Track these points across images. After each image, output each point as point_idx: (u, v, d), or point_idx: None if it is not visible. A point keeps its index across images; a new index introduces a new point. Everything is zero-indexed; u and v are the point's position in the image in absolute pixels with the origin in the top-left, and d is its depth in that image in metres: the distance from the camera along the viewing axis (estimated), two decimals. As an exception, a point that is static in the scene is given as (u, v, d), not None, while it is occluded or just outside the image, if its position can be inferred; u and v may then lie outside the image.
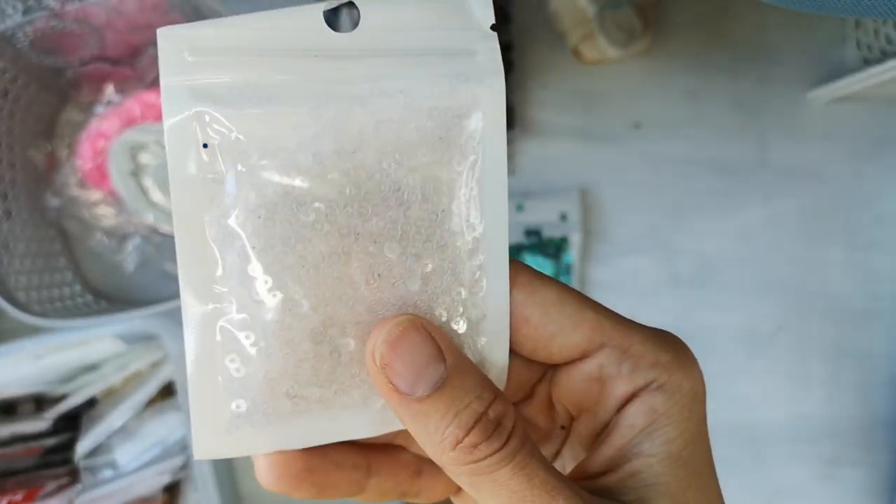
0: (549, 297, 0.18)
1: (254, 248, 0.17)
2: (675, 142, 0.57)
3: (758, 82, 0.57)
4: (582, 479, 0.18)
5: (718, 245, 0.57)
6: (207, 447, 0.17)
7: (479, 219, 0.18)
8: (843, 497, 0.58)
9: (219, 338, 0.17)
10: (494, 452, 0.16)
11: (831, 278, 0.58)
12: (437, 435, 0.16)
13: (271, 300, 0.17)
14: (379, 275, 0.17)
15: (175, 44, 0.16)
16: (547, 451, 0.22)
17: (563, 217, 0.55)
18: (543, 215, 0.55)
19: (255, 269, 0.17)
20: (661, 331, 0.19)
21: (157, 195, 0.53)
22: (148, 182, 0.52)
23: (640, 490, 0.17)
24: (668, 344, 0.18)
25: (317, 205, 0.17)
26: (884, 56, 0.51)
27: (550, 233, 0.55)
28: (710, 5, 0.57)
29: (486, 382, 0.17)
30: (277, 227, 0.17)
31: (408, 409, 0.16)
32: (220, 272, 0.17)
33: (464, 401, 0.16)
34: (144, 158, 0.52)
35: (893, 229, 0.58)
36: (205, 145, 0.16)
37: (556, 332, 0.18)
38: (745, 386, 0.57)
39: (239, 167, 0.16)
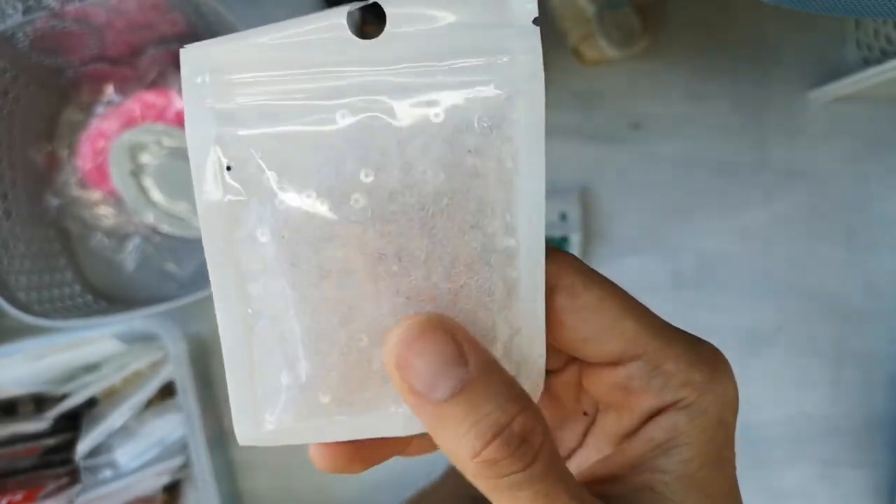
0: (590, 303, 0.17)
1: (280, 267, 0.17)
2: (675, 142, 0.57)
3: (758, 82, 0.57)
4: (594, 483, 0.18)
5: (718, 245, 0.57)
6: (247, 437, 0.18)
7: (513, 233, 0.17)
8: (843, 497, 0.58)
9: (253, 350, 0.17)
10: (516, 472, 0.15)
11: (831, 278, 0.58)
12: (455, 442, 0.15)
13: (299, 316, 0.17)
14: (407, 297, 0.17)
15: (196, 65, 0.16)
16: (571, 432, 0.21)
17: (563, 217, 0.55)
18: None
19: (283, 286, 0.17)
20: (703, 346, 0.18)
21: (157, 195, 0.53)
22: (148, 182, 0.52)
23: (651, 503, 0.17)
24: (704, 364, 0.18)
25: (341, 223, 0.16)
26: (884, 56, 0.51)
27: (550, 232, 0.55)
28: (711, 5, 0.57)
29: (513, 391, 0.16)
30: (302, 247, 0.17)
31: (425, 412, 0.16)
32: (249, 289, 0.17)
33: (484, 409, 0.15)
34: (144, 158, 0.52)
35: (893, 229, 0.57)
36: (228, 168, 0.16)
37: (592, 337, 0.18)
38: (745, 386, 0.56)
39: (262, 188, 0.16)
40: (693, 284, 0.57)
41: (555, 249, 0.18)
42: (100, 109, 0.53)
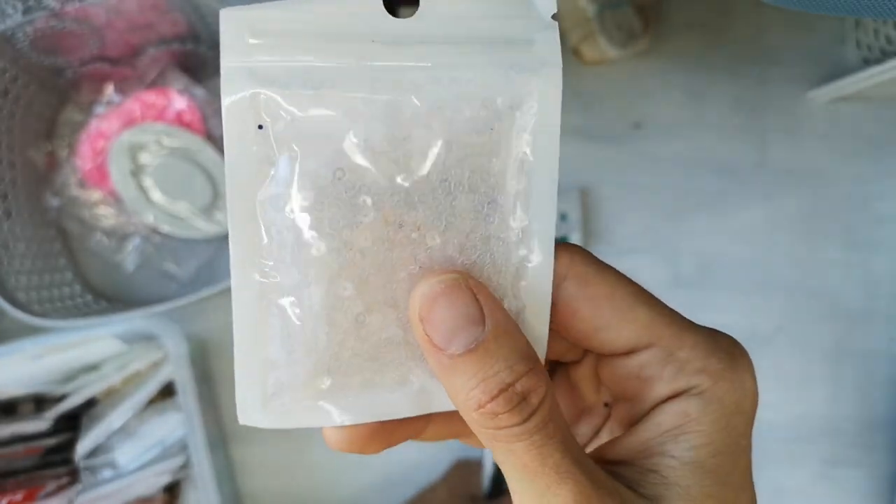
0: (601, 291, 0.18)
1: (302, 230, 0.17)
2: (675, 142, 0.57)
3: (758, 82, 0.57)
4: (602, 464, 0.18)
5: (718, 245, 0.57)
6: (250, 416, 0.18)
7: (526, 212, 0.18)
8: (843, 497, 0.58)
9: (265, 314, 0.17)
10: (514, 426, 0.16)
11: (831, 278, 0.58)
12: (462, 394, 0.16)
13: (317, 281, 0.17)
14: (420, 265, 0.17)
15: (236, 25, 0.16)
16: (589, 424, 0.21)
17: (563, 217, 0.55)
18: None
19: (303, 250, 0.17)
20: (720, 335, 0.18)
21: (157, 195, 0.53)
22: (148, 182, 0.52)
23: (658, 487, 0.17)
24: (723, 352, 0.18)
25: (365, 191, 0.17)
26: (884, 56, 0.51)
27: (550, 233, 0.55)
28: (711, 5, 0.57)
29: (523, 353, 0.17)
30: (326, 210, 0.17)
31: (439, 363, 0.17)
32: (269, 251, 0.17)
33: (494, 367, 0.16)
34: (144, 158, 0.52)
35: (893, 229, 0.58)
36: (260, 126, 0.17)
37: (604, 326, 0.18)
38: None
39: (291, 150, 0.17)
40: (693, 284, 0.57)
41: (566, 243, 0.18)
42: (100, 109, 0.53)
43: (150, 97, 0.52)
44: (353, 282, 0.17)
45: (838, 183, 0.57)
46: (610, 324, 0.18)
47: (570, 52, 0.55)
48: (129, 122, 0.52)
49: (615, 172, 0.57)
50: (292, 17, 0.16)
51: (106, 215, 0.54)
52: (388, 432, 0.19)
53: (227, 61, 0.16)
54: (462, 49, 0.17)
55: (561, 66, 0.17)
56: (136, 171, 0.52)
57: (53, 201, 0.53)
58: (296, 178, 0.17)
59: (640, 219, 0.57)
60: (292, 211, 0.17)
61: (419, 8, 0.17)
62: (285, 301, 0.17)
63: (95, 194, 0.54)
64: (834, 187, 0.57)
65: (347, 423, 0.18)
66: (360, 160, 0.17)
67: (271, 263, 0.17)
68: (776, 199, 0.57)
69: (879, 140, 0.57)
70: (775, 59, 0.57)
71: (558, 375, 0.22)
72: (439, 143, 0.17)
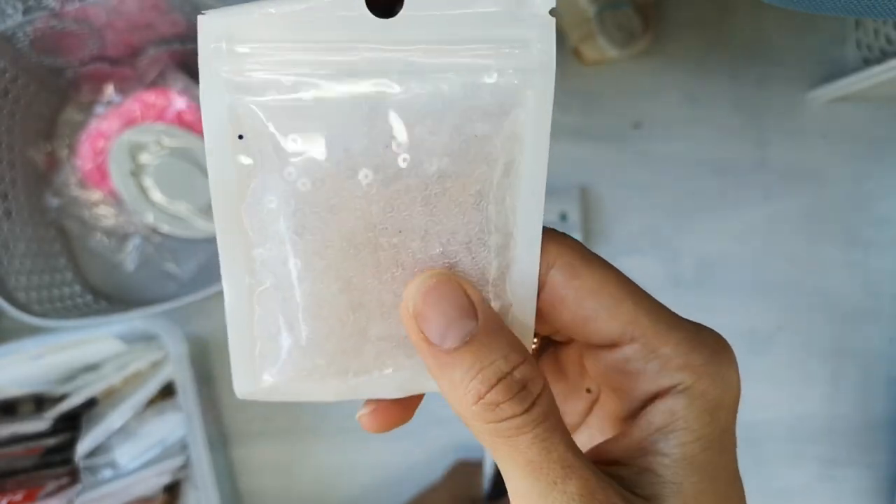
0: (588, 284, 0.18)
1: (286, 234, 0.17)
2: (675, 142, 0.57)
3: (758, 82, 0.57)
4: (598, 465, 0.18)
5: (718, 245, 0.57)
6: (244, 392, 0.19)
7: (513, 218, 0.18)
8: (843, 497, 0.58)
9: (254, 312, 0.18)
10: (517, 415, 0.16)
11: (831, 278, 0.58)
12: (461, 388, 0.16)
13: (302, 283, 0.18)
14: (404, 268, 0.18)
15: (212, 33, 0.16)
16: (573, 407, 0.22)
17: (563, 217, 0.55)
18: (544, 215, 0.55)
19: (288, 253, 0.17)
20: (703, 330, 0.19)
21: (157, 195, 0.53)
22: (148, 182, 0.52)
23: (654, 486, 0.17)
24: (706, 347, 0.18)
25: (346, 197, 0.17)
26: (884, 56, 0.51)
27: (550, 233, 0.55)
28: (710, 5, 0.57)
29: (515, 345, 0.17)
30: (309, 217, 0.17)
31: (436, 360, 0.17)
32: (255, 254, 0.18)
33: (489, 357, 0.16)
34: (144, 158, 0.52)
35: (893, 229, 0.58)
36: (240, 136, 0.17)
37: (589, 318, 0.18)
38: (745, 386, 0.56)
39: (272, 159, 0.17)
40: (693, 284, 0.57)
41: (557, 232, 0.18)
42: (100, 109, 0.53)
43: (150, 97, 0.52)
44: (338, 282, 0.18)
45: (838, 183, 0.57)
46: (595, 316, 0.18)
47: (570, 52, 0.55)
48: (129, 122, 0.52)
49: (615, 172, 0.57)
50: (271, 22, 0.16)
51: (106, 215, 0.54)
52: (411, 408, 0.20)
53: (206, 70, 0.16)
54: (449, 51, 0.16)
55: (554, 68, 0.17)
56: (136, 171, 0.52)
57: (53, 201, 0.53)
58: (277, 186, 0.17)
59: (640, 219, 0.57)
60: (276, 217, 0.17)
61: (403, 8, 0.16)
62: (274, 301, 0.18)
63: (95, 194, 0.54)
64: (834, 187, 0.57)
65: (332, 399, 0.19)
66: (341, 168, 0.17)
67: (258, 266, 0.18)
68: (776, 199, 0.57)
69: (879, 140, 0.57)
70: (775, 59, 0.57)
71: (547, 355, 0.22)
72: (420, 151, 0.17)
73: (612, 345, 0.18)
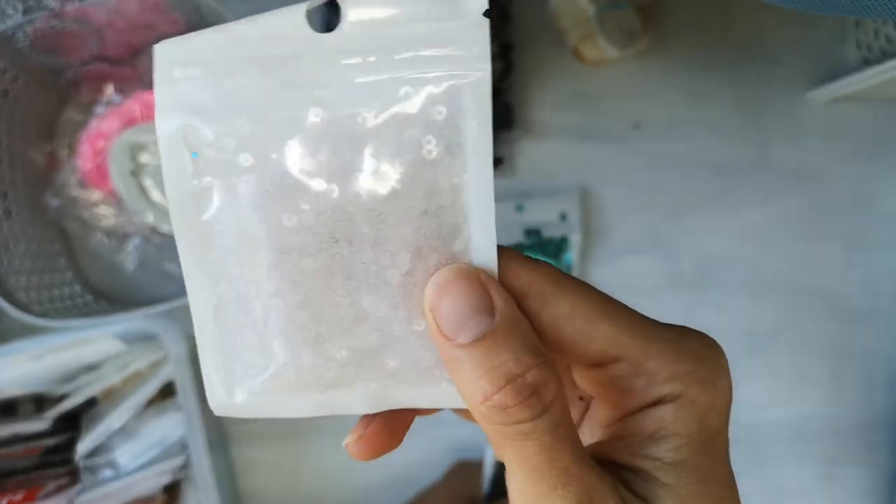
0: (561, 311, 0.17)
1: (244, 249, 0.18)
2: (675, 142, 0.57)
3: (758, 82, 0.57)
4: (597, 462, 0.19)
5: (718, 245, 0.57)
6: (219, 408, 0.19)
7: (464, 219, 0.17)
8: (843, 497, 0.58)
9: (220, 327, 0.19)
10: (524, 421, 0.16)
11: (831, 278, 0.58)
12: (469, 385, 0.16)
13: (262, 297, 0.18)
14: (358, 279, 0.18)
15: (167, 59, 0.17)
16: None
17: (563, 217, 0.55)
18: (543, 215, 0.55)
19: (245, 268, 0.18)
20: (687, 335, 0.18)
21: (157, 195, 0.53)
22: (148, 182, 0.52)
23: (648, 486, 0.17)
24: (690, 353, 0.18)
25: (298, 212, 0.17)
26: (884, 56, 0.51)
27: (550, 233, 0.55)
28: (710, 5, 0.57)
29: (531, 347, 0.16)
30: (262, 233, 0.18)
31: (448, 353, 0.17)
32: (216, 270, 0.18)
33: (500, 357, 0.16)
34: (144, 158, 0.52)
35: (893, 229, 0.58)
36: (194, 155, 0.17)
37: (568, 344, 0.18)
38: (746, 386, 0.57)
39: (225, 176, 0.17)
40: (693, 284, 0.57)
41: (529, 258, 0.18)
42: (100, 109, 0.53)
43: (150, 97, 0.52)
44: (296, 297, 0.18)
45: (838, 183, 0.57)
46: (574, 342, 0.18)
47: (570, 52, 0.55)
48: (129, 122, 0.52)
49: (615, 172, 0.57)
50: (219, 45, 0.17)
51: (106, 215, 0.54)
52: (398, 422, 0.19)
53: (159, 94, 0.17)
54: (388, 59, 0.17)
55: (490, 66, 0.17)
56: (136, 171, 0.52)
57: (53, 201, 0.53)
58: (232, 203, 0.17)
59: (640, 219, 0.57)
60: (232, 233, 0.18)
61: (341, 18, 0.17)
62: (238, 316, 0.18)
63: (95, 194, 0.54)
64: (834, 187, 0.57)
65: (307, 415, 0.19)
66: (291, 182, 0.17)
67: (221, 282, 0.18)
68: (776, 199, 0.57)
69: (879, 140, 0.57)
70: (775, 59, 0.57)
71: None
72: (366, 159, 0.17)
73: (596, 366, 0.18)
